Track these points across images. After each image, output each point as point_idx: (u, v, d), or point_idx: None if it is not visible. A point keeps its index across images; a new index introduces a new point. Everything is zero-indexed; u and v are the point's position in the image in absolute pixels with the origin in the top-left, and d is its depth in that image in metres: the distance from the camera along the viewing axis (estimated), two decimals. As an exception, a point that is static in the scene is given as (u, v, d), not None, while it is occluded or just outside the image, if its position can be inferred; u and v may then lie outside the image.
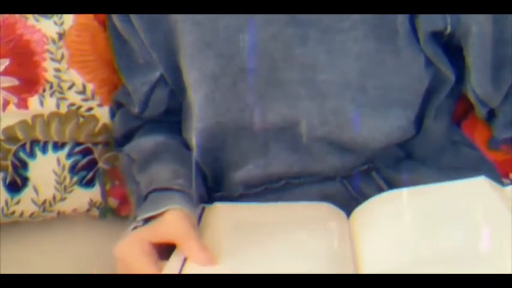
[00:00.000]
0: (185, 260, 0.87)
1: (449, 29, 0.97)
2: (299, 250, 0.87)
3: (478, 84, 0.98)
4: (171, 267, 0.86)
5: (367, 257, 0.85)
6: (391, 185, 0.98)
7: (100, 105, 1.12)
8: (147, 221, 0.91)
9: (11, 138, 1.12)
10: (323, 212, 0.95)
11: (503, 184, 0.99)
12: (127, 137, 1.09)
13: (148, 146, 1.04)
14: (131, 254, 0.88)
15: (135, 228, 0.91)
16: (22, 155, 1.13)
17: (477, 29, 0.95)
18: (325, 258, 0.85)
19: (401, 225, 0.87)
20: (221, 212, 0.97)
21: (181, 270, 0.85)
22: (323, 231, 0.90)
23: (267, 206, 0.98)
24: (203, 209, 0.98)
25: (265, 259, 0.85)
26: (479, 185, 0.90)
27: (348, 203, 0.97)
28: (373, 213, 0.91)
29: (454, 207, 0.88)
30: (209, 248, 0.87)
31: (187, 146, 1.05)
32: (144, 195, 0.96)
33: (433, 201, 0.90)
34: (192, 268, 0.85)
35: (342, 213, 0.95)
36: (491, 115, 1.02)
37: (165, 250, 0.89)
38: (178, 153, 1.03)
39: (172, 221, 0.90)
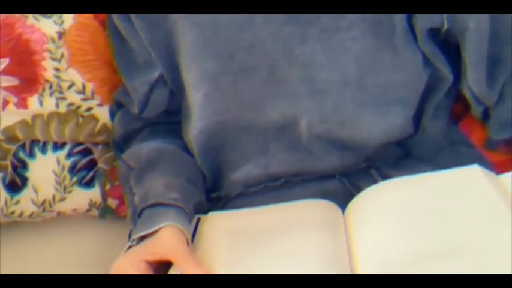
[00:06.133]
0: None
1: (446, 26, 0.97)
2: (295, 255, 0.87)
3: (473, 80, 0.98)
4: None
5: (362, 252, 0.85)
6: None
7: (99, 105, 1.12)
8: (142, 238, 0.91)
9: (10, 138, 1.11)
10: (318, 210, 0.95)
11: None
12: (126, 140, 1.09)
13: (145, 153, 1.03)
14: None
15: (129, 247, 0.91)
16: (22, 155, 1.13)
17: (474, 25, 0.95)
18: (321, 260, 0.86)
19: (394, 218, 0.87)
20: (216, 222, 0.97)
21: None
22: (319, 232, 0.90)
23: (261, 209, 0.97)
24: (198, 220, 0.98)
25: (262, 266, 0.86)
26: (472, 173, 0.90)
27: (347, 201, 0.96)
28: (366, 207, 0.91)
29: (448, 196, 0.88)
30: (206, 260, 0.88)
31: (186, 149, 1.05)
32: (138, 210, 0.96)
33: (426, 190, 0.90)
34: None
35: (337, 209, 0.95)
36: (486, 115, 1.02)
37: (162, 267, 0.89)
38: (175, 161, 1.02)
39: (167, 238, 0.90)
